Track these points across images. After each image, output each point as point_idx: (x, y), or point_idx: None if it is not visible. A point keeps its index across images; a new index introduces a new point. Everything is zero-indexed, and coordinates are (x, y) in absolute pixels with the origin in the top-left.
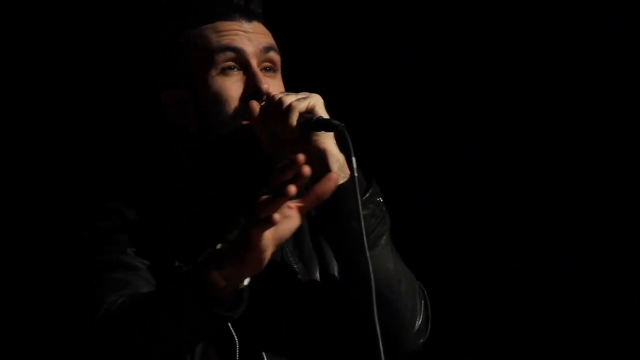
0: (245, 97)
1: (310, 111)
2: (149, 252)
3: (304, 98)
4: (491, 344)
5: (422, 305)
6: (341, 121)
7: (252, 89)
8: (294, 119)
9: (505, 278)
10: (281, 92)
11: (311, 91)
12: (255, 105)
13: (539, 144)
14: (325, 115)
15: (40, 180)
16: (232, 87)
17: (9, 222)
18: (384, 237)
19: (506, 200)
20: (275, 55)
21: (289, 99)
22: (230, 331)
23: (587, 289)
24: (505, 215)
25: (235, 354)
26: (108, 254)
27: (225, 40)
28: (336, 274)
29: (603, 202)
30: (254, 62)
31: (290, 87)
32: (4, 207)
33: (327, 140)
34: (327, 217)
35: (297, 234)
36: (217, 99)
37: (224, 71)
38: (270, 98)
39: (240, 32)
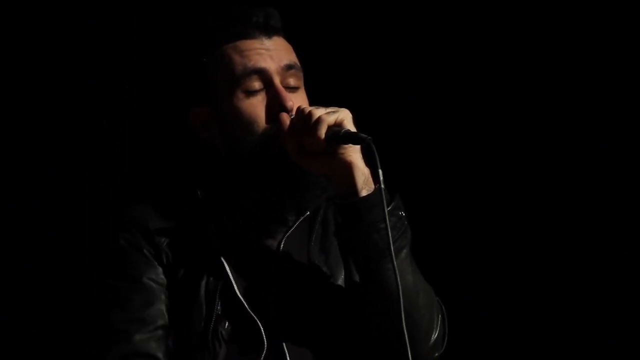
0: (271, 115)
1: (338, 125)
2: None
3: (333, 112)
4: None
5: (440, 319)
6: (368, 134)
7: (277, 107)
8: (323, 131)
9: (520, 292)
10: (311, 106)
11: (333, 102)
12: (286, 118)
13: (557, 155)
14: (353, 129)
15: (63, 188)
16: (258, 106)
17: (32, 229)
18: (404, 251)
19: (521, 214)
20: (297, 72)
21: (319, 112)
22: (261, 334)
23: (596, 298)
24: (522, 229)
25: (262, 355)
26: (123, 280)
27: (249, 63)
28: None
29: (614, 207)
30: (277, 80)
31: (312, 97)
32: (26, 215)
33: (354, 154)
34: (349, 228)
35: (324, 240)
36: (244, 118)
37: (250, 92)
38: (300, 111)
39: (262, 50)
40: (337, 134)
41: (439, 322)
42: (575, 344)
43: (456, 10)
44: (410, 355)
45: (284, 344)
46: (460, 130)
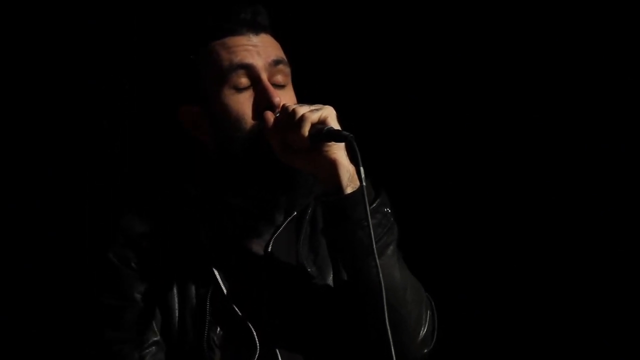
0: (258, 112)
1: (322, 122)
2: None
3: (316, 109)
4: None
5: (428, 315)
6: (351, 131)
7: (265, 103)
8: (306, 129)
9: (512, 287)
10: (295, 104)
11: (320, 100)
12: (270, 116)
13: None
14: (337, 127)
15: (63, 188)
16: (246, 103)
17: (32, 229)
18: (391, 247)
19: (513, 210)
20: (284, 68)
21: (302, 110)
22: (253, 336)
23: (591, 296)
24: (514, 225)
25: (254, 358)
26: (114, 297)
27: (236, 58)
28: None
29: (613, 207)
30: (264, 77)
31: (299, 95)
32: (26, 215)
33: (338, 151)
34: (335, 226)
35: (312, 239)
36: (232, 115)
37: (237, 89)
38: (284, 109)
39: (249, 47)
40: (320, 132)
41: (428, 318)
42: (569, 342)
43: (443, 7)
44: (393, 353)
45: (276, 346)
46: (451, 126)
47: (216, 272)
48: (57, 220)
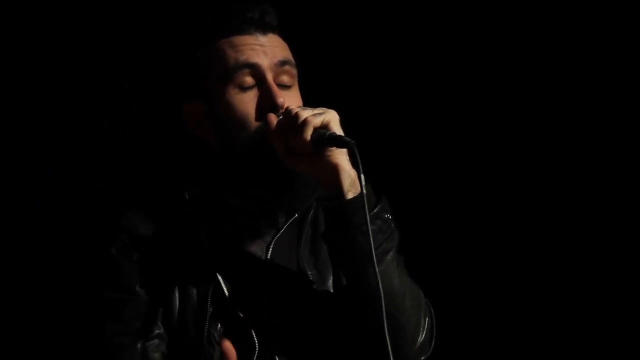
0: (262, 112)
1: (324, 127)
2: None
3: (319, 113)
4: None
5: (427, 322)
6: (354, 136)
7: (269, 104)
8: (308, 133)
9: (512, 288)
10: (298, 107)
11: (325, 102)
12: (273, 119)
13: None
14: (339, 132)
15: (63, 188)
16: (250, 102)
17: (32, 229)
18: (391, 253)
19: (513, 212)
20: (291, 69)
21: (305, 113)
22: (252, 336)
23: (592, 297)
24: (513, 227)
25: (254, 357)
26: (116, 291)
27: (242, 57)
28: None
29: (613, 207)
30: (269, 77)
31: (305, 97)
32: (26, 215)
33: (340, 156)
34: (335, 230)
35: (314, 242)
36: (236, 114)
37: (242, 88)
38: (287, 112)
39: (256, 46)
40: (322, 137)
41: (426, 325)
42: (569, 342)
43: (448, 11)
44: (392, 358)
45: (275, 347)
46: (454, 133)
47: (217, 270)
48: (57, 220)
